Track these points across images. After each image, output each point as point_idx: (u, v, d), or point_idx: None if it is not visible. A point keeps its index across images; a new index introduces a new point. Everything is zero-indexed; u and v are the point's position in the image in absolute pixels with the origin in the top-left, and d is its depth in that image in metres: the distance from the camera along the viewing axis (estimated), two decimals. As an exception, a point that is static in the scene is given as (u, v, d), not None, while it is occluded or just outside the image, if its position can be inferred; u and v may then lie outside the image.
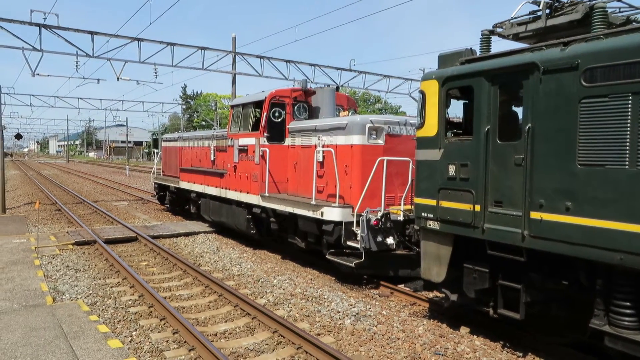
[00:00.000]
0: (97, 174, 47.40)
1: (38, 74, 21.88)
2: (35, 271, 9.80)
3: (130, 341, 6.61)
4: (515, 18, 6.66)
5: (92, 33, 19.67)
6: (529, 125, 5.67)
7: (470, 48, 6.83)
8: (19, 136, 69.46)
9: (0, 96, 19.46)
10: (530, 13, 6.51)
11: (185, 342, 6.58)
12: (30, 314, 7.28)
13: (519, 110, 6.71)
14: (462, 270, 6.68)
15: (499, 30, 6.84)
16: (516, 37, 6.75)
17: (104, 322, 7.17)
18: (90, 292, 8.76)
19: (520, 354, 6.39)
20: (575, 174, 5.22)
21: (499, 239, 6.00)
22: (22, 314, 7.27)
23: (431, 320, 7.63)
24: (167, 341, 6.65)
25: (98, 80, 30.01)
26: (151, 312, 7.81)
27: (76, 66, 21.70)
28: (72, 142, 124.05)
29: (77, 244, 12.68)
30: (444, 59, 7.04)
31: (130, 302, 8.27)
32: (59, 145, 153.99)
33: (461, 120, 7.51)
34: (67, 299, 8.30)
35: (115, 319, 7.45)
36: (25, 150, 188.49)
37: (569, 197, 5.27)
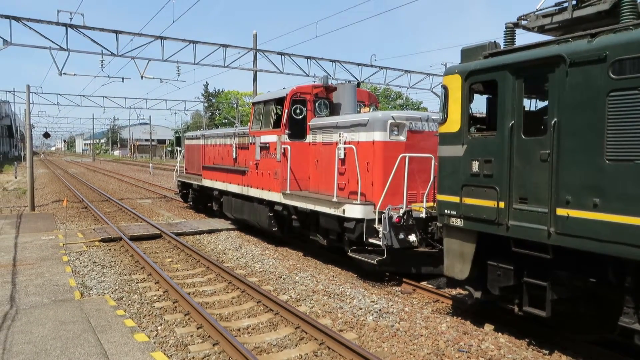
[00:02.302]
0: (121, 172, 48.29)
1: (65, 73, 22.45)
2: (63, 267, 10.04)
3: (155, 335, 6.73)
4: (541, 10, 6.53)
5: (116, 32, 20.04)
6: (555, 119, 5.56)
7: (494, 41, 6.73)
8: (47, 135, 71.36)
9: (29, 95, 19.96)
10: (555, 4, 6.38)
11: (209, 336, 6.66)
12: (59, 308, 7.47)
13: (544, 105, 6.59)
14: (486, 267, 6.60)
15: (523, 22, 6.72)
16: (541, 30, 6.61)
17: (130, 317, 7.31)
18: (117, 287, 8.94)
19: (547, 352, 6.29)
20: (604, 169, 5.10)
21: (524, 236, 5.90)
22: (51, 308, 7.46)
23: (454, 317, 7.56)
24: (191, 336, 6.75)
25: (122, 78, 30.64)
26: (176, 307, 7.93)
27: (101, 65, 22.16)
28: (97, 141, 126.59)
29: (104, 240, 12.94)
30: (467, 53, 6.95)
31: (155, 298, 8.41)
32: (84, 144, 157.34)
33: (484, 115, 7.41)
34: (94, 294, 8.49)
35: (141, 314, 7.58)
36: (53, 149, 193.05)
37: (597, 193, 5.15)
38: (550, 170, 5.61)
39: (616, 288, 5.42)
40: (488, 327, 7.09)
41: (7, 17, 17.75)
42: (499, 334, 6.87)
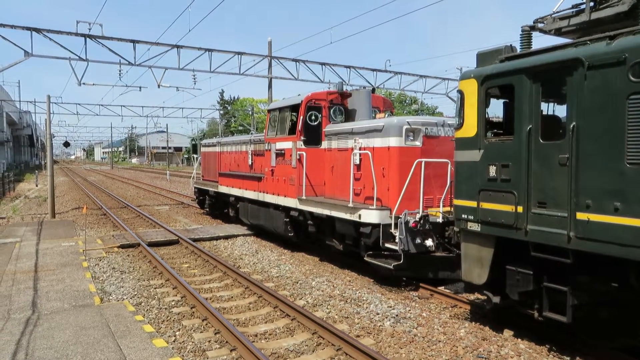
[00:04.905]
0: (139, 179, 48.86)
1: (84, 83, 22.83)
2: (83, 273, 10.19)
3: (174, 341, 6.79)
4: (557, 12, 6.49)
5: (133, 42, 20.35)
6: (574, 123, 5.50)
7: (510, 45, 6.69)
8: (67, 144, 72.75)
9: (49, 105, 20.37)
10: (573, 6, 6.33)
11: (226, 342, 6.70)
12: (79, 313, 7.57)
13: (562, 108, 6.52)
14: (505, 272, 6.53)
15: (540, 25, 6.67)
16: (558, 32, 6.57)
17: (149, 322, 7.38)
18: (135, 293, 9.04)
19: (568, 358, 6.19)
20: (624, 173, 5.03)
21: (544, 240, 5.83)
22: (72, 313, 7.58)
23: (473, 322, 7.49)
24: (209, 341, 6.79)
25: (140, 87, 31.04)
26: (193, 312, 7.99)
27: (119, 74, 22.52)
28: (115, 149, 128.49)
29: (122, 246, 13.11)
30: (483, 57, 6.92)
31: (173, 303, 8.49)
32: (103, 152, 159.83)
33: (501, 119, 7.36)
34: (113, 300, 8.60)
35: (160, 319, 7.66)
36: (72, 157, 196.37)
37: (618, 197, 5.07)
38: (569, 175, 5.55)
39: (639, 292, 5.31)
40: (507, 333, 7.00)
41: (27, 28, 18.16)
42: (519, 339, 6.78)
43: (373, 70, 27.11)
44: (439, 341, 6.76)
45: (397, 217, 8.95)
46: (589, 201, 5.34)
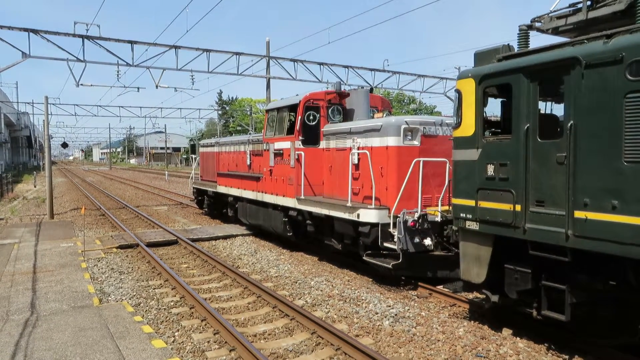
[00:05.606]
0: (138, 179, 48.81)
1: (82, 84, 22.81)
2: (82, 273, 10.18)
3: (173, 341, 6.79)
4: (555, 11, 6.49)
5: (131, 42, 20.33)
6: (571, 122, 5.51)
7: (508, 44, 6.70)
8: (65, 145, 72.71)
9: (47, 107, 20.34)
10: (570, 5, 6.34)
11: (225, 342, 6.70)
12: (78, 314, 7.57)
13: (560, 107, 6.54)
14: (503, 270, 6.54)
15: (537, 24, 6.68)
16: (556, 31, 6.58)
17: (147, 323, 7.38)
18: (134, 293, 9.04)
19: (567, 357, 6.20)
20: (622, 171, 5.04)
21: (542, 239, 5.84)
22: (71, 314, 7.57)
23: (472, 321, 7.50)
24: (208, 341, 6.79)
25: (138, 88, 30.96)
26: (192, 313, 7.99)
27: (117, 75, 22.49)
28: (114, 150, 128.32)
29: (121, 247, 13.09)
30: (481, 57, 6.93)
31: (172, 303, 8.48)
32: (101, 153, 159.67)
33: (499, 118, 7.37)
34: (112, 300, 8.59)
35: (159, 320, 7.65)
36: (71, 158, 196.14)
37: (616, 195, 5.08)
38: (567, 173, 5.56)
39: (637, 291, 5.33)
40: (506, 332, 7.02)
41: (25, 29, 18.12)
42: (518, 338, 6.80)
43: (371, 69, 27.13)
44: (438, 340, 6.77)
45: (395, 217, 8.96)
46: (586, 199, 5.35)
